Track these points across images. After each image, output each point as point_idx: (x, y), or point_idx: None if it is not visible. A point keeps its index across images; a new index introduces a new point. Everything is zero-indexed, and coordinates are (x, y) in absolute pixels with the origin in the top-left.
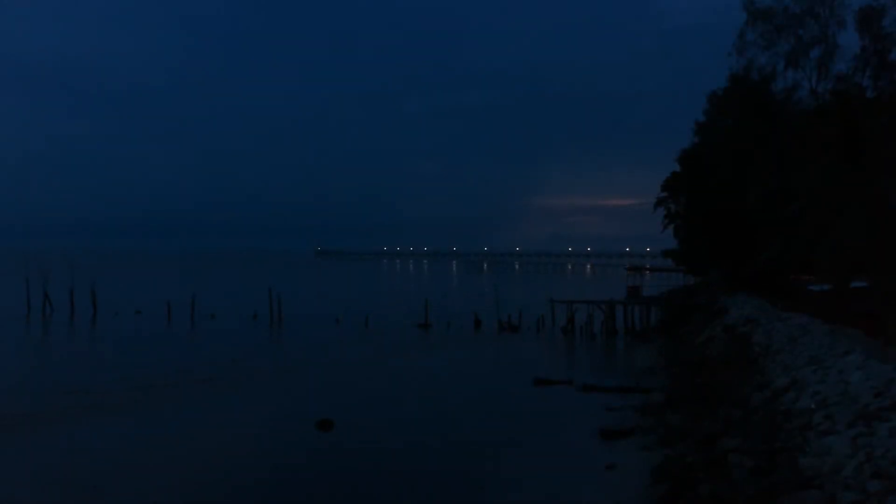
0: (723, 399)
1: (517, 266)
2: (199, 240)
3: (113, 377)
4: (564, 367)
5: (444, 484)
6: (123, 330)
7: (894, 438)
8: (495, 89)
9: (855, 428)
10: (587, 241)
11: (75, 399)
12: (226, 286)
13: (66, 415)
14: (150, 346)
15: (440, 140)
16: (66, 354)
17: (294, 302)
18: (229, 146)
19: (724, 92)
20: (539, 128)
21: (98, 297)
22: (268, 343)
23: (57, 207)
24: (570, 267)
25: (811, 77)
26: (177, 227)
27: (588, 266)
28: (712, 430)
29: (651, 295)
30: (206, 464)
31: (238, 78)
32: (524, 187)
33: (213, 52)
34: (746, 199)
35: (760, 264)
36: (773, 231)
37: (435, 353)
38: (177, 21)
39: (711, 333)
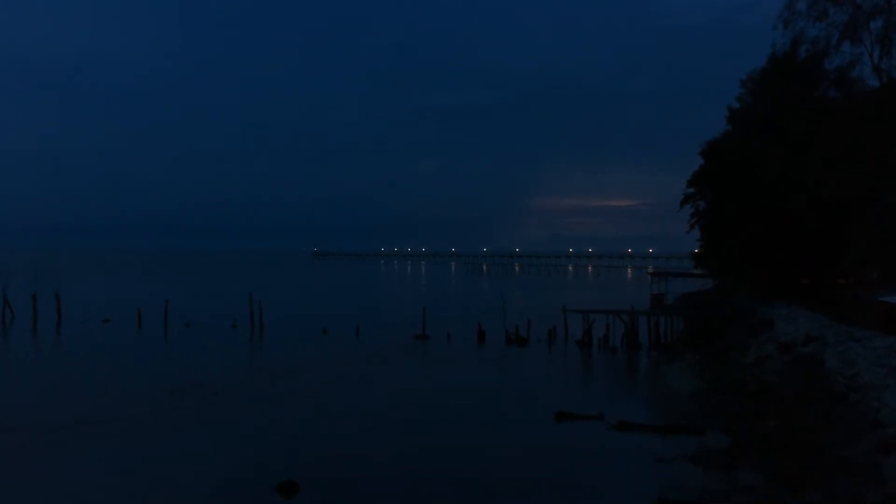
0: (822, 456)
1: (517, 267)
2: (195, 240)
3: (37, 411)
4: (586, 392)
5: None
6: (85, 342)
7: None
8: (495, 89)
9: None
10: (586, 241)
11: None
12: (213, 289)
13: None
14: (107, 363)
15: (440, 140)
16: (7, 373)
17: (282, 307)
18: (226, 145)
19: (763, 74)
20: (539, 128)
21: (72, 303)
22: (241, 360)
23: (49, 207)
24: (570, 268)
25: (872, 52)
26: (172, 228)
27: (589, 268)
28: None
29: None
30: None
31: (235, 77)
32: (523, 188)
33: (209, 51)
34: (820, 194)
35: (842, 269)
36: (852, 230)
37: (433, 374)
38: (170, 18)
39: (762, 353)
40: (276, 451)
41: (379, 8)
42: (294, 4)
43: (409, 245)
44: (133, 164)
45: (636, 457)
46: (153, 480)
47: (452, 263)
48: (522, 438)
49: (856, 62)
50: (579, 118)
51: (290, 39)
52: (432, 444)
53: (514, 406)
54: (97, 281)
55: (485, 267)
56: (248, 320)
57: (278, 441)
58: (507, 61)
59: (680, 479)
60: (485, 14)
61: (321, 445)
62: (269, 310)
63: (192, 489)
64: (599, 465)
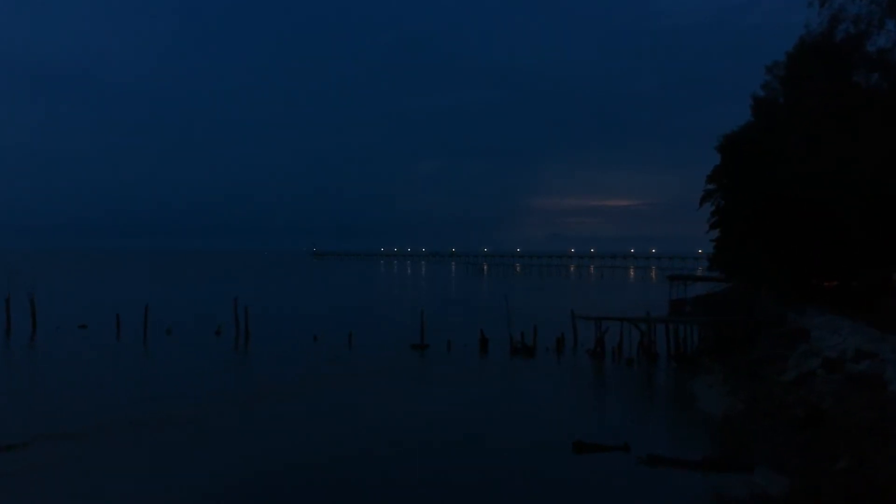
0: None
1: (518, 268)
2: (194, 240)
3: None
4: (604, 414)
5: None
6: (55, 352)
7: None
8: (495, 89)
9: None
10: (586, 241)
11: None
12: (203, 291)
13: None
14: (70, 380)
15: (440, 140)
16: None
17: (273, 310)
18: (225, 145)
19: (792, 57)
20: (538, 127)
21: (54, 306)
22: (218, 377)
23: (45, 207)
24: (572, 269)
25: None
26: (170, 228)
27: (591, 268)
28: None
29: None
30: None
31: (233, 76)
32: (523, 188)
33: (207, 50)
34: (883, 189)
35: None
36: None
37: (431, 392)
38: (167, 16)
39: (804, 369)
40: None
41: (379, 7)
42: (294, 4)
43: (408, 245)
44: (131, 164)
45: (673, 502)
46: None
47: (452, 264)
48: (537, 476)
49: None
50: (579, 118)
51: (289, 39)
52: (430, 487)
53: (525, 434)
54: (84, 282)
55: (485, 267)
56: (232, 327)
57: (243, 491)
58: (508, 61)
59: None
60: (485, 14)
61: (294, 495)
62: (259, 313)
63: None
64: None
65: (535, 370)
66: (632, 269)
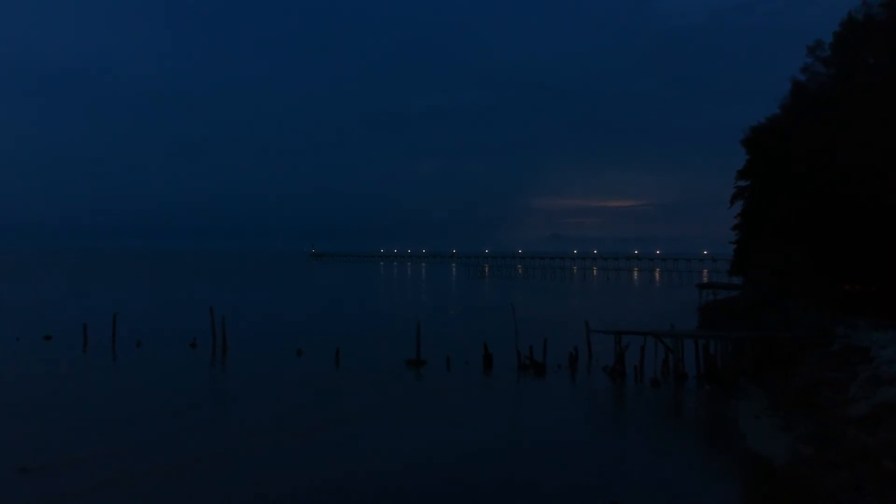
0: None
1: (519, 269)
2: (193, 241)
3: None
4: (635, 454)
5: None
6: (8, 369)
7: None
8: (495, 89)
9: None
10: (586, 242)
11: None
12: (189, 295)
13: None
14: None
15: (440, 140)
16: None
17: (259, 317)
18: (224, 145)
19: (837, 37)
20: (539, 127)
21: (23, 314)
22: (177, 411)
23: (43, 207)
24: (574, 270)
25: None
26: (169, 228)
27: (594, 270)
28: None
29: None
30: None
31: (232, 77)
32: (524, 187)
33: (207, 50)
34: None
35: None
36: None
37: (426, 427)
38: (166, 17)
39: (877, 401)
40: None
41: (379, 7)
42: (294, 5)
43: (409, 246)
44: (130, 164)
45: None
46: None
47: (453, 265)
48: None
49: None
50: (580, 118)
51: (289, 40)
52: None
53: (543, 489)
54: (65, 286)
55: (486, 269)
56: (209, 338)
57: None
58: (508, 61)
59: None
60: (485, 14)
61: None
62: (243, 319)
63: None
64: None
65: (547, 394)
66: (635, 271)
